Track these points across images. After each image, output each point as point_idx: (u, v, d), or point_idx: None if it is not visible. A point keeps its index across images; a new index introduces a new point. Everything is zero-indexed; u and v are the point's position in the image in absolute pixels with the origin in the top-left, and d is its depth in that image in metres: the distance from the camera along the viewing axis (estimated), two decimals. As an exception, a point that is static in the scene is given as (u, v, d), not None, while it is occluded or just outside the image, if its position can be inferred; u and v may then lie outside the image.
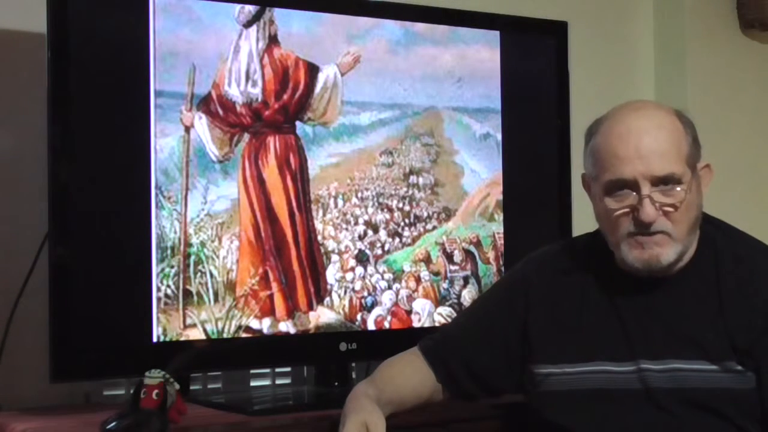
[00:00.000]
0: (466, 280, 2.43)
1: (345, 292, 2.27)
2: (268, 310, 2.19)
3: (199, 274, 2.11)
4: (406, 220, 2.35)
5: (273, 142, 2.21)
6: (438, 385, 1.91)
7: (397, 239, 2.34)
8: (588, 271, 1.86)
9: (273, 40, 2.21)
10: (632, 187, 1.73)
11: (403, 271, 2.34)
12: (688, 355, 1.74)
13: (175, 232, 2.10)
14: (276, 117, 2.21)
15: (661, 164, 1.72)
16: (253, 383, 2.43)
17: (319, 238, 2.25)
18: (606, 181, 1.75)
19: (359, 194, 2.30)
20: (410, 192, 2.36)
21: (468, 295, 2.41)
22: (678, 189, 1.73)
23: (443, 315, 2.38)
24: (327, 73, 2.27)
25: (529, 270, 1.93)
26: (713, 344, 1.74)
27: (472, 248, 2.44)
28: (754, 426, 1.73)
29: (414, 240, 2.36)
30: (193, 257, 2.11)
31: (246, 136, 2.18)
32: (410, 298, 2.35)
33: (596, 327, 1.81)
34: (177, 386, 1.89)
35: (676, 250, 1.75)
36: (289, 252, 2.21)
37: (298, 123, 2.24)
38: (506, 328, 1.89)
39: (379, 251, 2.31)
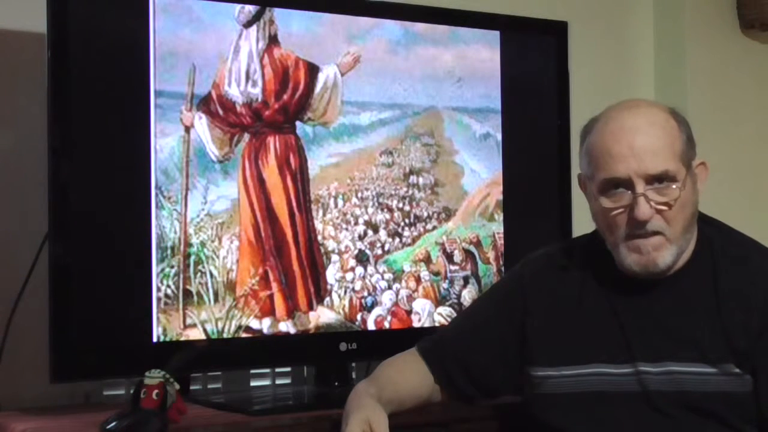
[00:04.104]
0: (466, 280, 2.43)
1: (345, 292, 2.27)
2: (268, 310, 2.19)
3: (199, 274, 2.11)
4: (406, 220, 2.35)
5: (273, 142, 2.21)
6: (436, 385, 1.91)
7: (397, 239, 2.34)
8: (585, 273, 1.85)
9: (273, 40, 2.21)
10: (627, 185, 1.73)
11: (403, 271, 2.34)
12: (685, 357, 1.74)
13: (175, 232, 2.10)
14: (276, 117, 2.21)
15: (655, 162, 1.72)
16: (253, 383, 2.43)
17: (319, 238, 2.25)
18: (601, 180, 1.75)
19: (359, 194, 2.30)
20: (410, 192, 2.36)
21: (468, 295, 2.41)
22: (673, 187, 1.72)
23: (443, 315, 2.38)
24: (327, 73, 2.27)
25: (527, 272, 1.92)
26: (711, 346, 1.73)
27: (472, 248, 2.44)
28: (752, 429, 1.73)
29: (414, 240, 2.36)
30: (193, 257, 2.11)
31: (246, 136, 2.18)
32: (410, 298, 2.35)
33: (594, 329, 1.81)
34: (177, 386, 1.89)
35: (672, 252, 1.75)
36: (289, 252, 2.21)
37: (298, 123, 2.24)
38: (504, 330, 1.89)
39: (379, 251, 2.31)
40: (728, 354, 1.72)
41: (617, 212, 1.74)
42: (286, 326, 2.21)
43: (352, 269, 2.28)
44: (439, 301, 2.39)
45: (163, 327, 2.08)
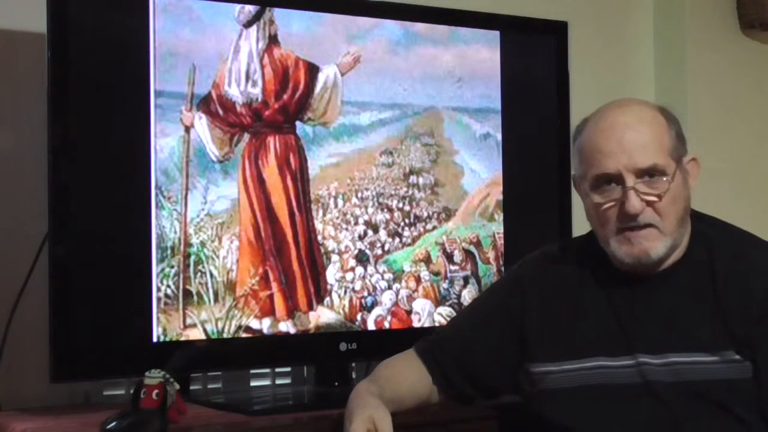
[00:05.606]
0: (466, 280, 2.43)
1: (345, 292, 2.27)
2: (268, 310, 2.19)
3: (199, 274, 2.11)
4: (406, 220, 2.35)
5: (273, 142, 2.21)
6: (435, 386, 1.91)
7: (397, 239, 2.34)
8: (583, 270, 1.87)
9: (273, 40, 2.21)
10: (617, 180, 1.76)
11: (403, 271, 2.34)
12: (686, 347, 1.75)
13: (175, 232, 2.10)
14: (276, 117, 2.21)
15: (643, 156, 1.74)
16: (253, 383, 2.43)
17: (319, 238, 2.25)
18: (592, 176, 1.78)
19: (359, 194, 2.30)
20: (410, 192, 2.36)
21: (468, 295, 2.41)
22: (663, 180, 1.75)
23: (443, 315, 2.38)
24: (327, 73, 2.27)
25: (525, 271, 1.94)
26: (711, 335, 1.75)
27: (472, 248, 2.44)
28: (754, 416, 1.74)
29: (414, 240, 2.36)
30: (193, 257, 2.11)
31: (246, 136, 2.18)
32: (410, 298, 2.35)
33: (593, 324, 1.82)
34: (177, 386, 1.89)
35: (666, 244, 1.77)
36: (289, 252, 2.21)
37: (298, 123, 2.24)
38: (502, 329, 1.89)
39: (379, 251, 2.31)
40: (728, 341, 1.74)
41: (608, 206, 1.77)
42: (286, 326, 2.21)
43: (352, 269, 2.28)
44: (439, 301, 2.39)
45: (163, 327, 2.08)
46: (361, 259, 2.29)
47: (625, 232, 1.76)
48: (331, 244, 2.26)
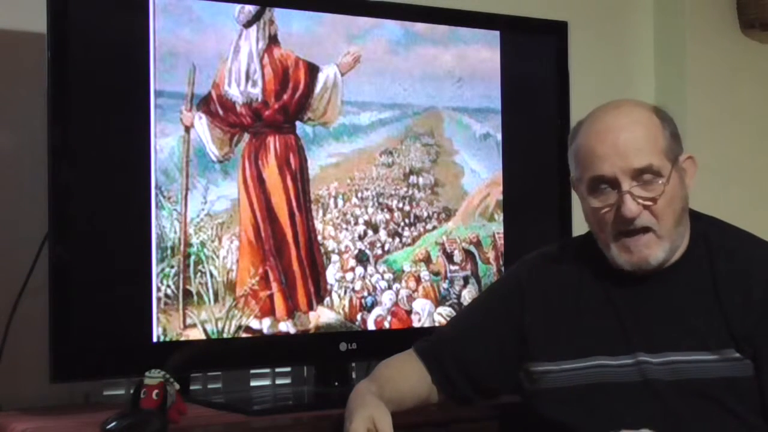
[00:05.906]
0: (466, 280, 2.43)
1: (345, 292, 2.27)
2: (268, 310, 2.19)
3: (199, 274, 2.11)
4: (406, 220, 2.35)
5: (273, 142, 2.21)
6: (434, 385, 1.91)
7: (397, 239, 2.34)
8: (583, 269, 1.87)
9: (273, 40, 2.21)
10: (613, 184, 1.76)
11: (403, 271, 2.34)
12: (685, 346, 1.76)
13: (175, 232, 2.10)
14: (276, 117, 2.21)
15: (638, 157, 1.75)
16: (253, 383, 2.43)
17: (319, 238, 2.25)
18: (588, 179, 1.78)
19: (359, 194, 2.30)
20: (410, 192, 2.36)
21: (468, 295, 2.41)
22: (659, 182, 1.75)
23: (443, 315, 2.38)
24: (327, 73, 2.27)
25: (524, 271, 1.94)
26: (711, 334, 1.75)
27: (472, 248, 2.44)
28: (754, 414, 1.74)
29: (414, 240, 2.36)
30: (193, 257, 2.11)
31: (246, 136, 2.18)
32: (410, 298, 2.35)
33: (593, 323, 1.82)
34: (177, 386, 1.89)
35: (665, 248, 1.77)
36: (289, 252, 2.21)
37: (298, 123, 2.24)
38: (502, 329, 1.90)
39: (379, 251, 2.31)
40: (728, 339, 1.74)
41: (605, 211, 1.77)
42: (286, 326, 2.21)
43: (352, 269, 2.28)
44: (439, 301, 2.39)
45: (163, 327, 2.08)
46: (361, 259, 2.29)
47: (623, 238, 1.77)
48: (331, 244, 2.26)
